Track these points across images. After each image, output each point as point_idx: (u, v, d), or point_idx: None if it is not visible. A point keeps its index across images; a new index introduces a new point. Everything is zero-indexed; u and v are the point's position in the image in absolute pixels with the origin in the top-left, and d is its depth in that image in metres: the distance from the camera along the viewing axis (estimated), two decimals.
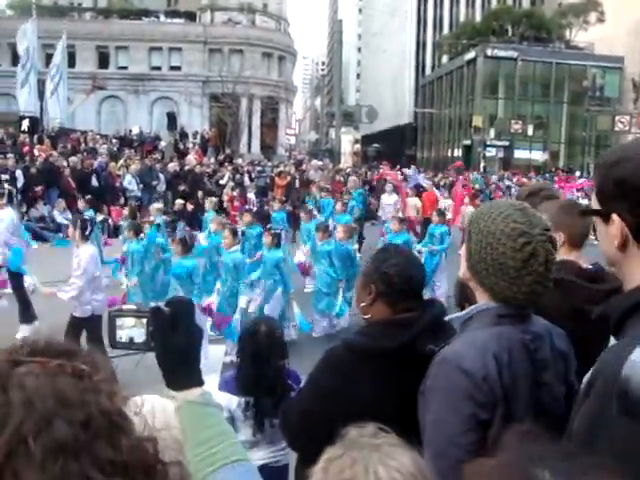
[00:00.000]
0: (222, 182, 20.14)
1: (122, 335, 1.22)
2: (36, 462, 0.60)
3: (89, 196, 13.57)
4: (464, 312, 1.84)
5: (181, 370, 1.19)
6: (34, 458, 0.60)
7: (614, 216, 1.33)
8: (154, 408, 1.07)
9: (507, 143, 50.06)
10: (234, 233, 7.76)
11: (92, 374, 0.71)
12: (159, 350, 1.20)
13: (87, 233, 6.48)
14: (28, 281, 7.36)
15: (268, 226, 9.36)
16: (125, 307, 1.24)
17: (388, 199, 16.31)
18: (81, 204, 12.47)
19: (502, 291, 1.74)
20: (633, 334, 1.26)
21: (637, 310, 1.29)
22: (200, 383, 1.21)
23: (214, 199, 13.74)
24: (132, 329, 1.22)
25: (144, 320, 1.21)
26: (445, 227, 10.86)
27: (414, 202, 16.58)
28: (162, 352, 1.19)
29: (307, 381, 2.32)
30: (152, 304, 1.23)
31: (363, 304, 2.24)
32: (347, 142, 46.11)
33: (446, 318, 2.06)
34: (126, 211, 11.92)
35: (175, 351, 1.18)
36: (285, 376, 3.27)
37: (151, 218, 10.78)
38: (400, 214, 13.74)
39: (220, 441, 1.17)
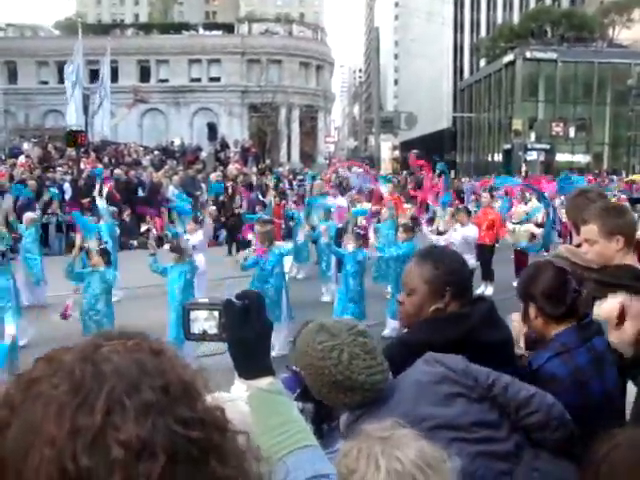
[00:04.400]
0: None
1: (196, 327, 1.29)
2: (131, 418, 0.70)
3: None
4: None
5: (252, 360, 1.25)
6: (129, 414, 0.70)
7: None
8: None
9: (548, 146, 49.20)
10: None
11: (165, 351, 0.81)
12: (231, 341, 1.25)
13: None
14: None
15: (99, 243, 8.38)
16: (199, 300, 1.30)
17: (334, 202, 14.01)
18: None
19: (341, 401, 1.87)
20: None
21: None
22: (271, 372, 1.26)
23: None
24: (205, 321, 1.28)
25: (216, 313, 1.26)
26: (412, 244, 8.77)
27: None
28: (234, 343, 1.25)
29: None
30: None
31: (433, 308, 2.23)
32: (386, 148, 46.07)
33: None
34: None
35: (246, 342, 1.24)
36: None
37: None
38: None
39: (291, 427, 1.22)
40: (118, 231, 12.29)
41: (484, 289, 11.37)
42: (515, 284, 10.95)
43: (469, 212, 11.87)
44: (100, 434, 0.69)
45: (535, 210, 13.20)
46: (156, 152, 28.40)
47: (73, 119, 21.51)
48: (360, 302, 8.46)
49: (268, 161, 33.63)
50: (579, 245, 2.84)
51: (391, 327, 8.46)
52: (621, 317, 1.71)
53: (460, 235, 10.70)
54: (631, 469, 1.10)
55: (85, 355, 0.76)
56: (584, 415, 2.05)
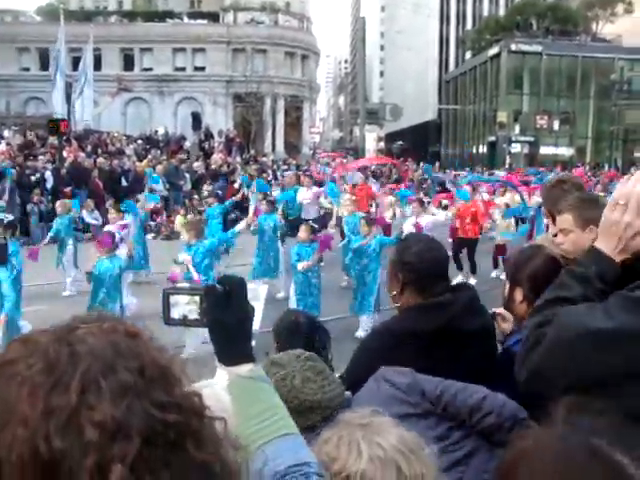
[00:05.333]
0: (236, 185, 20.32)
1: (176, 312, 1.26)
2: (107, 398, 0.70)
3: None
4: None
5: (233, 346, 1.23)
6: (105, 395, 0.70)
7: None
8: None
9: (532, 139, 49.49)
10: None
11: (141, 335, 0.81)
12: (212, 327, 1.22)
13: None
14: None
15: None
16: (179, 285, 1.28)
17: (305, 194, 13.60)
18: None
19: (304, 425, 1.90)
20: None
21: None
22: (251, 359, 1.23)
23: None
24: (185, 306, 1.25)
25: (197, 297, 1.24)
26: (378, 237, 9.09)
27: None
28: (215, 329, 1.22)
29: (347, 369, 2.36)
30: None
31: (394, 293, 2.29)
32: (371, 139, 46.09)
33: None
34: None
35: (227, 328, 1.21)
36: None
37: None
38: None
39: (272, 414, 1.21)
40: (97, 220, 12.13)
41: (467, 281, 11.40)
42: (493, 275, 11.01)
43: (422, 203, 11.89)
44: (74, 414, 0.68)
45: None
46: (139, 141, 28.16)
47: (55, 107, 21.29)
48: (316, 295, 8.28)
49: (252, 151, 33.51)
50: (555, 235, 2.86)
51: (365, 325, 8.28)
52: None
53: (410, 225, 10.68)
54: None
55: (60, 336, 0.76)
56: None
